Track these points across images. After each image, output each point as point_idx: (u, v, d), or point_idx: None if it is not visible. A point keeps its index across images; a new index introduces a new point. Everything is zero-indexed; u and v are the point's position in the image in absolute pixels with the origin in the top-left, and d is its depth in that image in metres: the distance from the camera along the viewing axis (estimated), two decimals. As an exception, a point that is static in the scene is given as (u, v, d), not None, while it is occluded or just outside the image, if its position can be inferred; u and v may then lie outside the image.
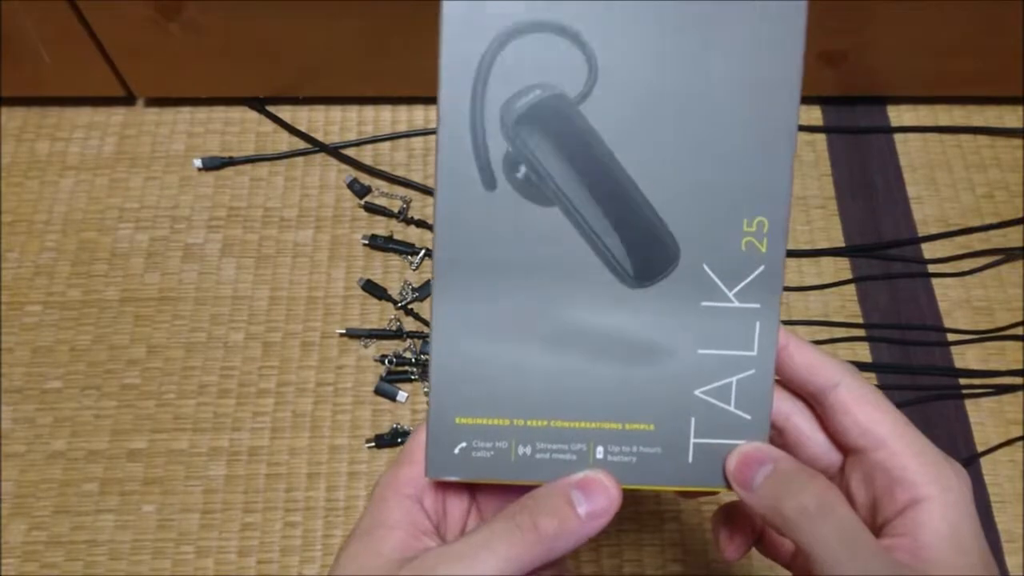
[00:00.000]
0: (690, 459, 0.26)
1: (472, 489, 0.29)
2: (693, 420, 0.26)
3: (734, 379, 0.26)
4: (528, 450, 0.26)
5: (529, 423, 0.26)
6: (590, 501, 0.25)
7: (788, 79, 0.25)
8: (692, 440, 0.26)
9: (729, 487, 0.27)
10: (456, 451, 0.26)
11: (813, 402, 0.28)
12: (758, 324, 0.26)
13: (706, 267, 0.26)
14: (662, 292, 0.26)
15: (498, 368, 0.26)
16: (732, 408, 0.26)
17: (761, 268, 0.26)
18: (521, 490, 0.26)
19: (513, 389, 0.26)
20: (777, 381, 0.28)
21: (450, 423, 0.26)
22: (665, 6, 0.25)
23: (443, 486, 0.28)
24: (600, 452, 0.26)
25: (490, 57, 0.25)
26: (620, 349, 0.26)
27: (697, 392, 0.26)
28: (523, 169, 0.25)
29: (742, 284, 0.26)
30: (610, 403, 0.26)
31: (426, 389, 0.55)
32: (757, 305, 0.26)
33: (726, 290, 0.26)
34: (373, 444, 0.54)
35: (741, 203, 0.26)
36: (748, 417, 0.26)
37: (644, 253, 0.25)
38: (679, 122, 0.25)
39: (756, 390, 0.26)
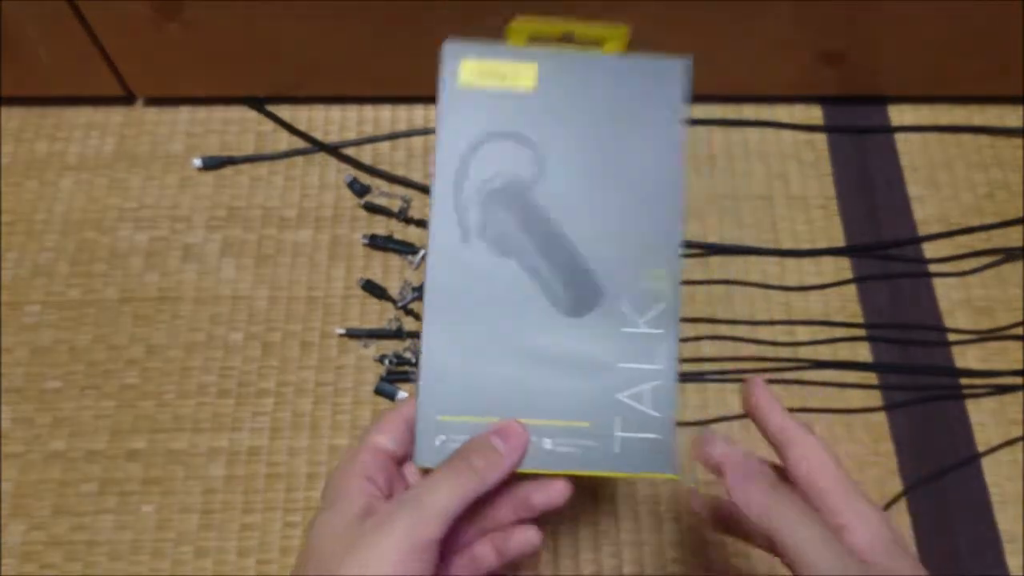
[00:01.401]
0: (617, 450, 0.34)
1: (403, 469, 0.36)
2: (618, 419, 0.34)
3: (647, 386, 0.34)
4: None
5: (495, 420, 0.34)
6: (506, 441, 0.33)
7: (672, 181, 0.35)
8: (617, 434, 0.34)
9: (651, 473, 0.34)
10: (437, 442, 0.33)
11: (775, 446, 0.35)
12: (663, 345, 0.34)
13: (623, 304, 0.35)
14: (592, 321, 0.34)
15: (472, 376, 0.34)
16: (645, 408, 0.34)
17: (662, 305, 0.35)
18: None
19: (483, 393, 0.34)
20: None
21: (434, 420, 0.33)
22: (587, 128, 0.35)
23: (388, 467, 0.34)
24: (548, 444, 0.33)
25: (469, 154, 0.35)
26: (562, 363, 0.34)
27: (619, 396, 0.34)
28: (491, 230, 0.35)
29: (649, 316, 0.34)
30: (556, 405, 0.34)
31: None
32: (661, 331, 0.34)
33: (638, 319, 0.34)
34: (373, 444, 0.54)
35: (645, 258, 0.35)
36: (658, 415, 0.34)
37: (577, 293, 0.34)
38: (601, 201, 0.35)
39: (663, 394, 0.34)
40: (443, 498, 0.31)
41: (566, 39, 0.37)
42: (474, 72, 0.35)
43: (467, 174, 0.34)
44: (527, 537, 0.35)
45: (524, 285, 0.34)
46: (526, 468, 0.34)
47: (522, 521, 0.35)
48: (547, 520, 0.53)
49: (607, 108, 0.35)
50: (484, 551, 0.35)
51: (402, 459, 0.36)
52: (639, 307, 0.34)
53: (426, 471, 0.33)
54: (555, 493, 0.34)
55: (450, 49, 0.36)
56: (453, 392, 0.33)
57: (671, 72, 0.35)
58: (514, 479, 0.35)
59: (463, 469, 0.32)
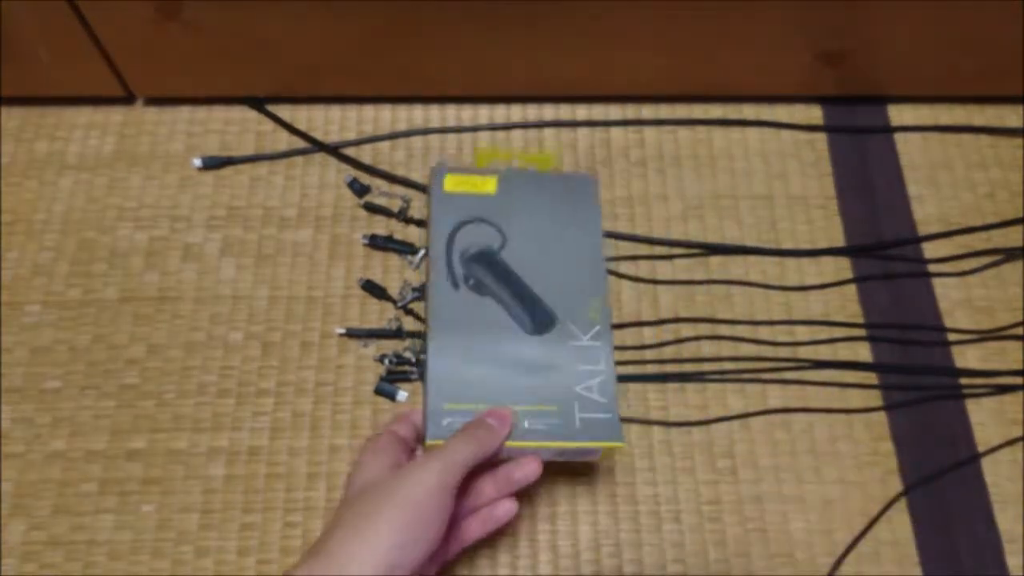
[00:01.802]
0: (577, 425, 0.46)
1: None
2: (576, 404, 0.46)
3: (595, 381, 0.47)
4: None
5: (486, 407, 0.45)
6: (498, 420, 0.44)
7: (596, 245, 0.51)
8: (577, 415, 0.46)
9: (603, 442, 0.46)
10: (443, 423, 0.44)
11: None
12: (602, 353, 0.48)
13: (571, 326, 0.48)
14: (550, 338, 0.48)
15: (467, 375, 0.46)
16: (595, 396, 0.47)
17: (599, 326, 0.49)
18: None
19: (476, 387, 0.46)
20: None
21: (441, 407, 0.45)
22: (535, 215, 0.51)
23: (405, 446, 0.45)
24: (526, 423, 0.45)
25: (454, 231, 0.50)
26: (532, 366, 0.47)
27: (576, 388, 0.47)
28: (472, 280, 0.49)
29: (591, 333, 0.48)
30: (530, 395, 0.46)
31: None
32: (600, 343, 0.48)
33: (583, 336, 0.48)
34: (373, 444, 0.54)
35: (585, 294, 0.49)
36: (604, 400, 0.46)
37: (538, 319, 0.48)
38: (550, 258, 0.50)
39: (606, 386, 0.47)
40: (461, 454, 0.41)
41: (515, 162, 0.55)
42: (453, 182, 0.52)
43: (453, 245, 0.50)
44: (508, 507, 0.45)
45: (500, 315, 0.48)
46: (511, 441, 0.45)
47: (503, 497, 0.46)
48: (548, 520, 0.53)
49: (547, 202, 0.51)
50: (469, 524, 0.45)
51: (411, 450, 0.46)
52: (583, 328, 0.48)
53: (435, 445, 0.44)
54: (530, 469, 0.45)
55: (436, 168, 0.52)
56: (454, 387, 0.45)
57: (589, 181, 0.53)
58: (496, 462, 0.45)
59: (471, 437, 0.42)
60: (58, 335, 0.57)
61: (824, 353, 0.58)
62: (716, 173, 0.63)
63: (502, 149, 0.54)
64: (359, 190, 0.61)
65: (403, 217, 0.60)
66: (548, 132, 0.65)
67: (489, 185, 0.51)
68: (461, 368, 0.46)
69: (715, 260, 0.61)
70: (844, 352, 0.58)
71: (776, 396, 0.56)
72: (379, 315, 0.58)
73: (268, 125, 0.64)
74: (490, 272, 0.49)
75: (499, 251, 0.49)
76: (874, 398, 0.57)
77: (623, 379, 0.57)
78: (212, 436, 0.54)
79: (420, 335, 0.57)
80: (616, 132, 0.65)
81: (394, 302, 0.58)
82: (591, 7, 0.54)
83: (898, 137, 0.65)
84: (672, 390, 0.57)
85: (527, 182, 0.52)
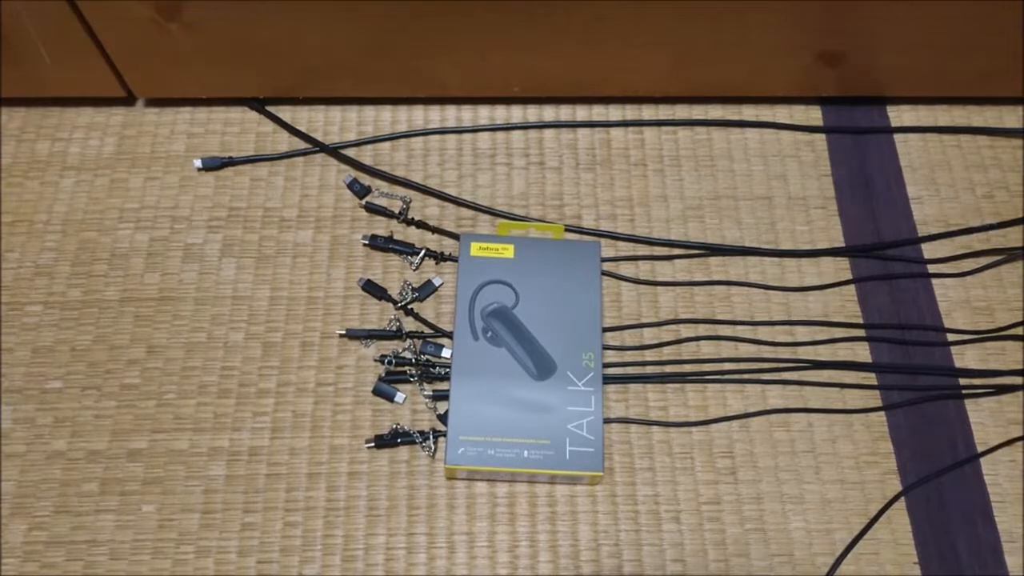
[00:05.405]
0: (567, 457, 0.53)
1: None
2: (567, 439, 0.53)
3: (584, 421, 0.54)
4: (494, 451, 0.53)
5: (494, 439, 0.53)
6: None
7: (594, 305, 0.57)
8: (568, 448, 0.53)
9: (587, 471, 0.53)
10: (459, 452, 0.53)
11: None
12: (592, 397, 0.54)
13: (569, 373, 0.55)
14: (551, 383, 0.55)
15: (481, 413, 0.54)
16: (584, 433, 0.53)
17: (592, 373, 0.55)
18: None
19: (487, 423, 0.54)
20: None
21: (458, 439, 0.53)
22: (546, 277, 0.58)
23: None
24: (526, 453, 0.53)
25: (476, 291, 0.57)
26: (534, 406, 0.54)
27: (568, 426, 0.54)
28: (489, 333, 0.56)
29: (584, 379, 0.55)
30: (531, 430, 0.53)
31: (426, 392, 0.56)
32: (591, 389, 0.55)
33: (578, 382, 0.55)
34: (373, 444, 0.54)
35: (581, 346, 0.56)
36: (591, 438, 0.53)
37: (541, 367, 0.55)
38: (555, 316, 0.57)
39: (594, 425, 0.54)
40: None
41: (530, 231, 0.61)
42: (478, 248, 0.59)
43: (475, 303, 0.57)
44: None
45: (510, 363, 0.55)
46: (513, 467, 0.52)
47: None
48: (548, 520, 0.53)
49: (556, 266, 0.58)
50: None
51: None
52: (578, 375, 0.55)
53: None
54: None
55: (464, 236, 0.59)
56: (469, 422, 0.53)
57: (592, 248, 0.59)
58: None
59: None
60: (59, 335, 0.57)
61: (823, 353, 0.58)
62: (716, 174, 0.63)
63: (520, 221, 0.61)
64: (359, 191, 0.61)
65: (403, 218, 0.60)
66: (548, 132, 0.65)
67: (508, 251, 0.58)
68: (476, 407, 0.54)
69: (715, 261, 0.61)
70: (843, 352, 0.58)
71: (776, 396, 0.57)
72: (379, 315, 0.58)
73: (268, 126, 0.64)
74: (505, 326, 0.56)
75: (513, 308, 0.56)
76: (873, 398, 0.57)
77: (623, 379, 0.57)
78: (213, 436, 0.54)
79: (420, 335, 0.57)
80: (616, 132, 0.65)
81: (394, 302, 0.58)
82: (592, 8, 0.54)
83: (897, 138, 0.65)
84: (672, 390, 0.57)
85: (540, 249, 0.59)
